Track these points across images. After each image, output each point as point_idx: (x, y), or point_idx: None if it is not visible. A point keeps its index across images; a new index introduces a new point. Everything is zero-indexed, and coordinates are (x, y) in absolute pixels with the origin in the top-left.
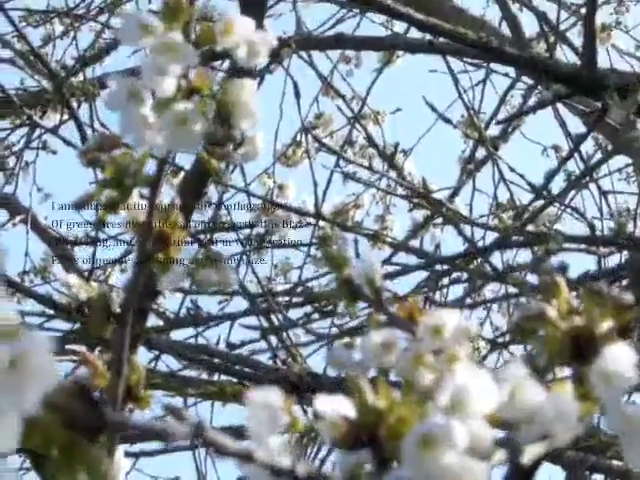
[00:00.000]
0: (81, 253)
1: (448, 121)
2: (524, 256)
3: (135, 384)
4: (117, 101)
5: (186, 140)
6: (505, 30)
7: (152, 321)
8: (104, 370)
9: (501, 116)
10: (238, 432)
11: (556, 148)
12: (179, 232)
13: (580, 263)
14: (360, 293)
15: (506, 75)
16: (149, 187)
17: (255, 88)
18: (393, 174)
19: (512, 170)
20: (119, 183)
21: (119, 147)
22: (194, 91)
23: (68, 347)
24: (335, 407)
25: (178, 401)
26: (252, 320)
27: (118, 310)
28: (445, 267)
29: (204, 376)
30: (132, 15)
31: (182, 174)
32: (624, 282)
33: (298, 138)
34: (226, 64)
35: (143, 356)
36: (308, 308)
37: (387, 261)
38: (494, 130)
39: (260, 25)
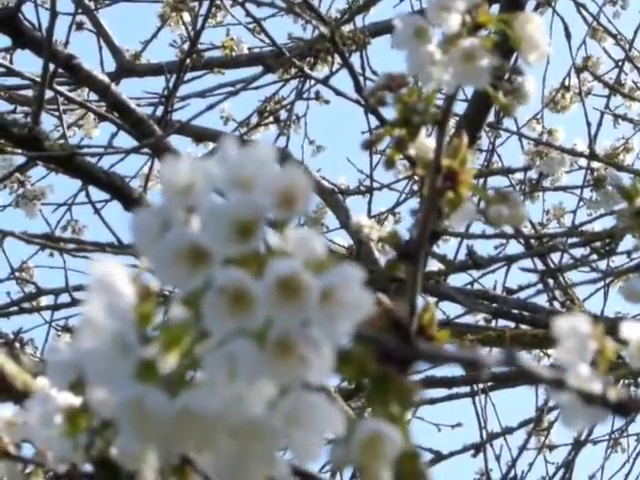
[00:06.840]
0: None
1: None
2: None
3: (428, 323)
4: (404, 40)
5: (473, 76)
6: None
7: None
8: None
9: None
10: None
11: None
12: (468, 169)
13: None
14: None
15: None
16: (437, 125)
17: (541, 21)
18: None
19: None
20: (407, 122)
21: (406, 86)
22: (479, 26)
23: None
24: None
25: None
26: (528, 263)
27: (409, 249)
28: None
29: (481, 322)
30: None
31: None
32: None
33: (566, 82)
34: None
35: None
36: (583, 250)
37: None
38: None
39: None
